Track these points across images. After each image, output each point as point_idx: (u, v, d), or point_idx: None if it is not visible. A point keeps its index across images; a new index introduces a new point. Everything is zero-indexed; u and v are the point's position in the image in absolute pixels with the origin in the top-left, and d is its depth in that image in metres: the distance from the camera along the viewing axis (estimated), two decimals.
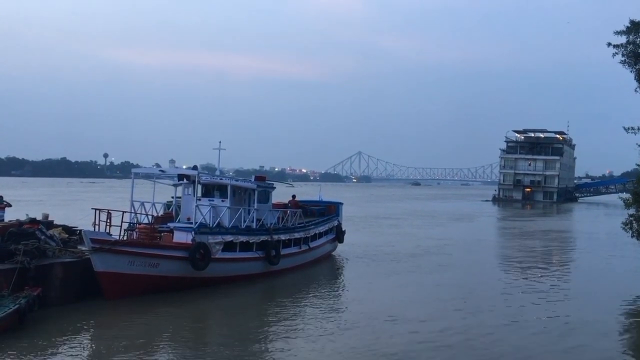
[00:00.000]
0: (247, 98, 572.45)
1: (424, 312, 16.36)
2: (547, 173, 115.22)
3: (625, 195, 22.74)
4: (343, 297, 19.23)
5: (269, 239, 20.58)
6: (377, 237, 36.89)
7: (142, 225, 19.51)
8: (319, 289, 19.90)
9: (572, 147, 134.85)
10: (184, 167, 27.31)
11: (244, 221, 20.37)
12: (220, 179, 21.15)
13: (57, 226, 19.43)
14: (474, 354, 12.68)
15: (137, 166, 28.57)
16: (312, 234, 24.29)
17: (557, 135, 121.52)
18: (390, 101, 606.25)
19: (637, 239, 20.29)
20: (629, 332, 15.46)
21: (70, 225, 20.35)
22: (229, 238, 19.11)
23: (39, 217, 19.21)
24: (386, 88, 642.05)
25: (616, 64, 20.79)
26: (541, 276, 23.35)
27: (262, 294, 19.42)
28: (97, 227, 18.96)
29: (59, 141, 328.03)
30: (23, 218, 18.96)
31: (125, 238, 18.75)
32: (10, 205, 21.56)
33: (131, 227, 19.75)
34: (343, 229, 28.51)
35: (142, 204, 20.80)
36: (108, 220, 19.57)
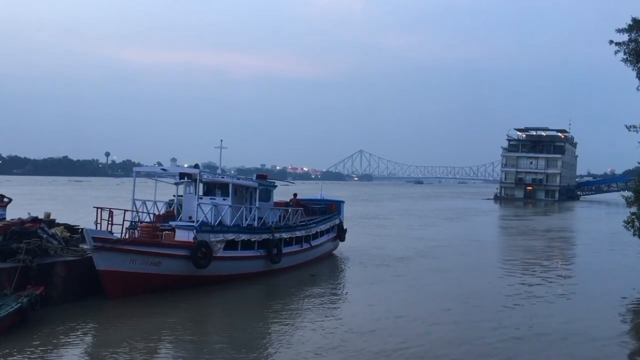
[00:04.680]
0: (248, 97, 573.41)
1: (424, 314, 16.23)
2: (549, 171, 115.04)
3: (627, 193, 22.67)
4: (344, 296, 19.22)
5: (271, 238, 20.57)
6: (376, 237, 36.77)
7: (143, 223, 19.54)
8: (320, 288, 19.88)
9: (574, 145, 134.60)
10: (186, 165, 27.33)
11: (246, 219, 20.37)
12: (222, 177, 21.13)
13: (59, 225, 19.44)
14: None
15: (139, 165, 28.62)
16: (314, 232, 24.29)
17: (559, 134, 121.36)
18: (391, 100, 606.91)
19: (639, 237, 20.23)
20: (630, 334, 15.27)
21: (72, 223, 20.34)
22: (230, 236, 19.11)
23: (41, 216, 19.26)
24: (387, 87, 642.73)
25: (618, 62, 20.76)
26: (542, 278, 23.17)
27: (263, 292, 19.42)
28: (99, 225, 18.98)
29: (61, 140, 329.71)
30: (25, 217, 19.00)
31: (127, 237, 18.75)
32: (11, 200, 21.58)
33: (133, 226, 19.76)
34: (344, 228, 28.52)
35: (144, 202, 20.80)
36: (110, 219, 19.58)
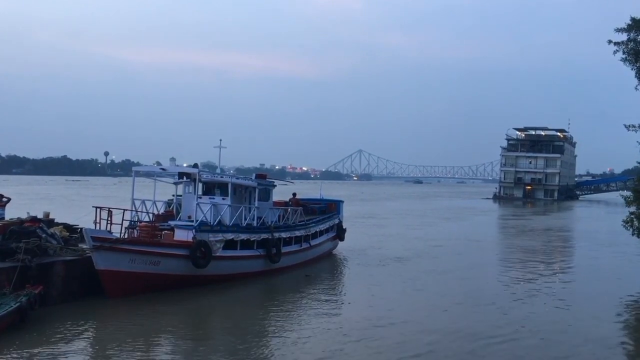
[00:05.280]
0: (247, 96, 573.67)
1: (422, 316, 16.07)
2: (548, 171, 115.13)
3: (626, 193, 22.69)
4: (343, 296, 19.21)
5: (270, 237, 20.57)
6: (375, 237, 36.76)
7: (143, 223, 19.52)
8: (319, 289, 19.86)
9: (573, 144, 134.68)
10: (185, 165, 27.28)
11: (245, 219, 20.36)
12: (221, 177, 21.12)
13: (58, 224, 19.43)
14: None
15: (138, 164, 28.59)
16: (313, 232, 24.27)
17: (558, 133, 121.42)
18: (391, 99, 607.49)
19: (638, 237, 20.24)
20: (631, 338, 15.09)
21: (71, 223, 20.34)
22: (229, 236, 19.10)
23: (40, 216, 19.24)
24: (387, 86, 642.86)
25: (617, 62, 20.76)
26: (541, 278, 23.07)
27: (262, 292, 19.41)
28: (98, 225, 18.97)
29: (60, 139, 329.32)
30: (23, 216, 18.98)
31: (126, 236, 18.75)
32: (10, 199, 21.57)
33: (132, 225, 19.75)
34: (344, 227, 28.50)
35: (143, 202, 20.78)
36: (109, 219, 19.57)
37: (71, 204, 51.52)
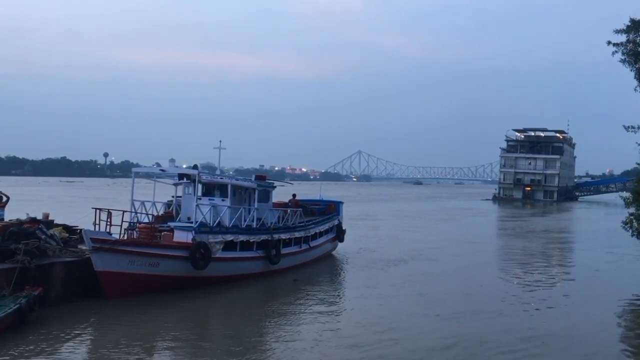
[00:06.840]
0: (247, 97, 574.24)
1: (423, 320, 16.01)
2: (548, 172, 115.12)
3: (625, 194, 22.67)
4: (342, 297, 19.20)
5: (269, 238, 20.56)
6: (373, 239, 36.74)
7: (142, 224, 19.51)
8: (318, 290, 19.83)
9: (573, 145, 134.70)
10: (184, 166, 27.32)
11: (245, 220, 20.35)
12: (221, 178, 21.14)
13: (58, 225, 19.42)
14: None
15: (137, 165, 28.58)
16: (313, 233, 24.26)
17: (558, 134, 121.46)
18: (390, 100, 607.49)
19: (637, 238, 20.23)
20: (630, 341, 15.03)
21: (70, 224, 20.32)
22: (229, 237, 19.09)
23: (39, 217, 19.21)
24: (386, 87, 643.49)
25: (616, 63, 20.75)
26: (539, 281, 22.99)
27: (262, 293, 19.38)
28: (97, 226, 18.96)
29: (59, 140, 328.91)
30: (23, 217, 18.95)
31: (125, 237, 18.74)
32: (9, 198, 21.51)
33: (131, 227, 19.74)
34: (343, 228, 28.49)
35: (143, 203, 20.77)
36: (108, 220, 19.56)
37: (62, 206, 51.44)
